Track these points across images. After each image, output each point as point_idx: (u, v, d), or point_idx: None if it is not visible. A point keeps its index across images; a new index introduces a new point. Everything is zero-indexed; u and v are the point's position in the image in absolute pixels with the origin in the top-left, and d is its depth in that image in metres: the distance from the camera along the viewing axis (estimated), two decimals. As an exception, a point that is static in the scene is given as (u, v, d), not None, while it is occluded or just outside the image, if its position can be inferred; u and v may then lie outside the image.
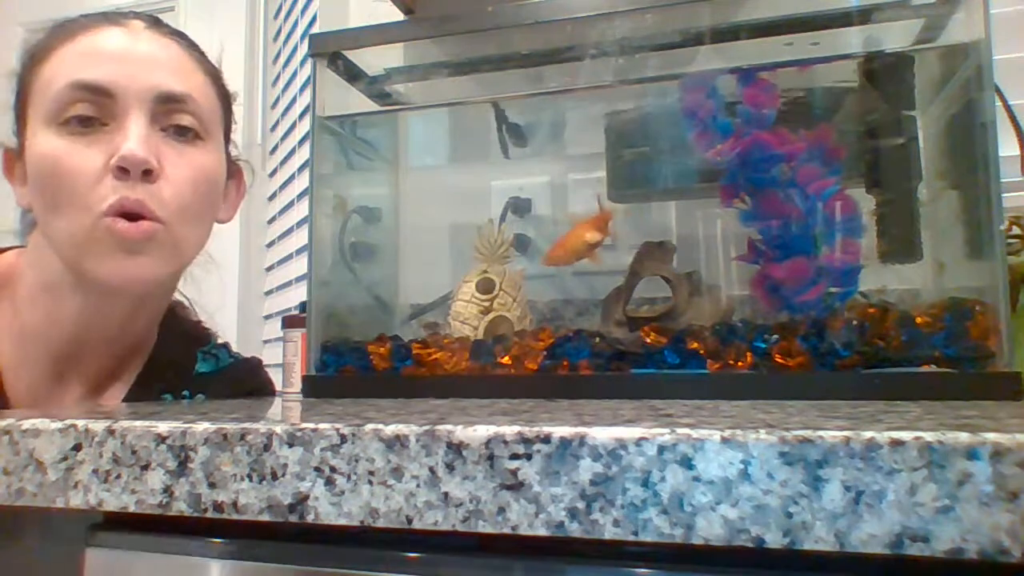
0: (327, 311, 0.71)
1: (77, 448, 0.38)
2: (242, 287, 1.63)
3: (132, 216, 0.62)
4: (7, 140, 0.69)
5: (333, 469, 0.34)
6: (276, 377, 0.88)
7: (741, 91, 0.62)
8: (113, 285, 0.64)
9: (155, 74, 0.64)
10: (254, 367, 0.85)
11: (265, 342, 1.55)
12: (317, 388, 0.66)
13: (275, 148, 1.57)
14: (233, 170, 0.76)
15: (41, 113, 0.63)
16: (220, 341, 0.83)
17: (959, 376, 0.51)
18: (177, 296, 0.83)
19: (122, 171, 0.61)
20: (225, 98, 0.73)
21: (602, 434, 0.30)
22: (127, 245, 0.62)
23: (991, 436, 0.27)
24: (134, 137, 0.61)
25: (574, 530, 0.30)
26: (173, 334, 0.77)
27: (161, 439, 0.36)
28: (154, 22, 0.68)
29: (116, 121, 0.63)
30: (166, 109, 0.64)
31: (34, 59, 0.65)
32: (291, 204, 1.42)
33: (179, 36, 0.69)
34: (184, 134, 0.66)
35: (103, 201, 0.61)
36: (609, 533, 0.30)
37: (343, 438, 0.34)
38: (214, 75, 0.72)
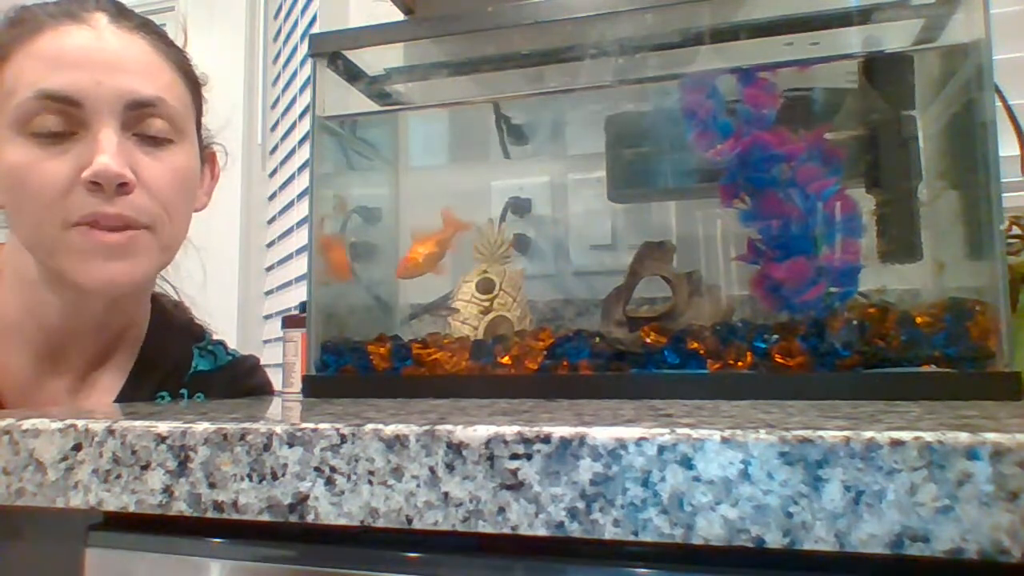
0: (327, 311, 0.71)
1: (77, 448, 0.38)
2: (242, 287, 1.63)
3: (109, 228, 0.61)
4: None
5: (333, 469, 0.34)
6: (276, 377, 0.88)
7: (741, 91, 0.62)
8: (93, 290, 0.63)
9: (124, 79, 0.62)
10: (253, 366, 0.85)
11: (265, 342, 1.55)
12: (317, 388, 0.66)
13: (275, 148, 1.57)
14: (206, 155, 0.74)
15: (5, 119, 0.61)
16: (216, 338, 0.83)
17: (959, 376, 0.51)
18: (172, 294, 0.83)
19: (95, 185, 0.60)
20: (195, 86, 0.71)
21: (602, 434, 0.30)
22: (107, 251, 0.61)
23: (991, 436, 0.27)
24: (107, 150, 0.60)
25: (574, 530, 0.30)
26: (166, 330, 0.77)
27: (161, 439, 0.36)
28: (118, 12, 0.66)
29: (86, 130, 0.61)
30: (137, 115, 0.63)
31: None
32: (291, 204, 1.42)
33: (144, 28, 0.67)
34: (157, 138, 0.64)
35: (75, 213, 0.60)
36: (609, 533, 0.30)
37: (343, 438, 0.34)
38: (182, 65, 0.69)
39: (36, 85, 0.60)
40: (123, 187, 0.61)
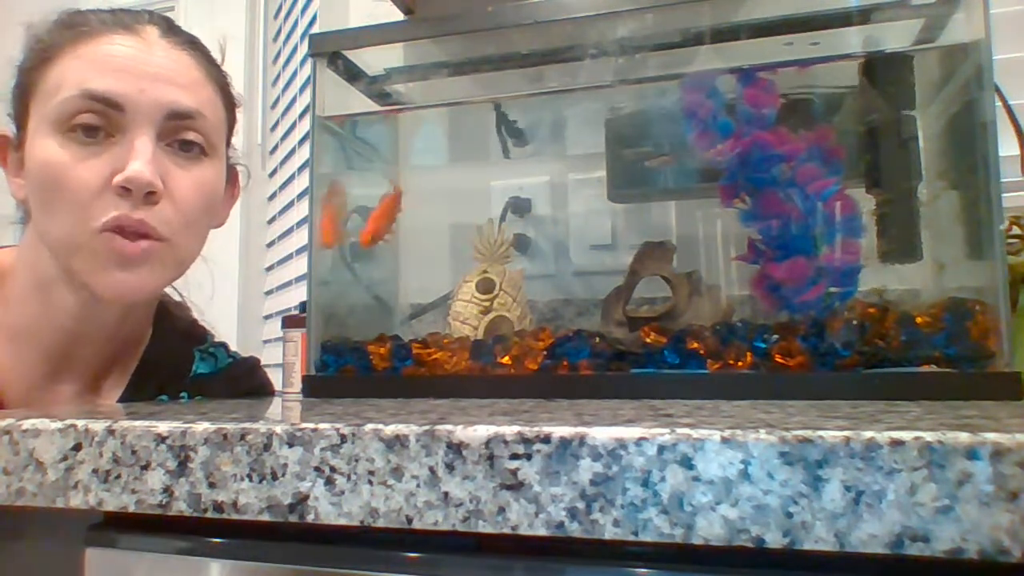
0: (327, 311, 0.71)
1: (77, 448, 0.38)
2: (242, 287, 1.63)
3: (131, 234, 0.61)
4: (5, 128, 0.68)
5: (333, 469, 0.34)
6: (276, 377, 0.88)
7: (741, 91, 0.62)
8: (107, 297, 0.63)
9: (167, 89, 0.63)
10: (252, 367, 0.85)
11: (265, 342, 1.55)
12: (317, 388, 0.66)
13: (275, 148, 1.57)
14: (229, 175, 0.75)
15: (46, 116, 0.62)
16: (217, 340, 0.83)
17: (959, 376, 0.51)
18: (174, 295, 0.83)
19: (125, 190, 0.60)
20: (231, 106, 0.73)
21: (602, 434, 0.30)
22: (124, 261, 0.61)
23: (991, 436, 0.27)
24: (142, 157, 0.61)
25: (574, 530, 0.30)
26: (168, 333, 0.77)
27: (161, 439, 0.36)
28: (168, 28, 0.67)
29: (123, 135, 0.62)
30: (174, 125, 0.64)
31: (40, 56, 0.64)
32: (291, 204, 1.42)
33: (191, 44, 0.68)
34: (189, 150, 0.65)
35: (101, 215, 0.60)
36: (609, 533, 0.30)
37: (343, 438, 0.34)
38: (222, 84, 0.71)
39: (81, 85, 0.61)
40: (151, 195, 0.61)
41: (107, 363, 0.72)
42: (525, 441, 0.31)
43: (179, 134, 0.64)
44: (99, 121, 0.61)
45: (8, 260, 0.70)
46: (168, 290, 0.82)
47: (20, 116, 0.66)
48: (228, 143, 0.73)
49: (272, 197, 1.58)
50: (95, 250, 0.61)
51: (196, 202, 0.65)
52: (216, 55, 0.72)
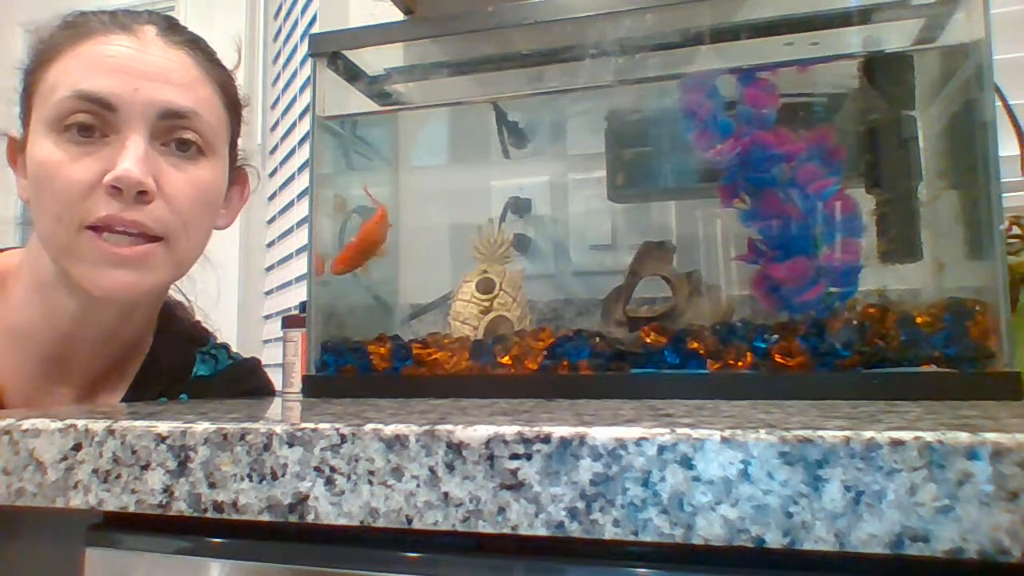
0: (327, 311, 0.71)
1: (77, 448, 0.38)
2: (242, 287, 1.63)
3: (123, 234, 0.61)
4: (12, 130, 0.68)
5: (333, 469, 0.34)
6: (276, 377, 0.88)
7: (741, 91, 0.62)
8: (102, 296, 0.63)
9: (160, 89, 0.63)
10: (252, 367, 0.85)
11: (265, 342, 1.55)
12: (317, 388, 0.66)
13: (275, 148, 1.57)
14: (237, 176, 0.74)
15: (43, 116, 0.62)
16: (219, 342, 0.83)
17: (959, 376, 0.51)
18: (177, 296, 0.83)
19: (116, 189, 0.60)
20: (234, 107, 0.72)
21: (602, 434, 0.30)
22: (118, 261, 0.61)
23: (991, 436, 0.27)
24: (131, 156, 0.60)
25: (574, 530, 0.30)
26: (171, 336, 0.77)
27: (161, 439, 0.36)
28: (167, 27, 0.67)
29: (116, 134, 0.62)
30: (169, 125, 0.63)
31: (41, 58, 0.64)
32: (291, 204, 1.43)
33: (191, 44, 0.67)
34: (186, 150, 0.65)
35: (92, 214, 0.60)
36: (609, 533, 0.30)
37: (343, 438, 0.34)
38: (224, 85, 0.70)
39: (76, 85, 0.61)
40: (143, 195, 0.61)
41: (106, 367, 0.72)
42: (525, 441, 0.31)
43: (174, 133, 0.64)
44: (93, 121, 0.61)
45: (14, 261, 0.70)
46: (172, 292, 0.82)
47: (25, 117, 0.66)
48: (234, 144, 0.73)
49: (272, 197, 1.58)
50: (82, 248, 0.61)
51: (191, 202, 0.65)
52: (226, 55, 0.72)
